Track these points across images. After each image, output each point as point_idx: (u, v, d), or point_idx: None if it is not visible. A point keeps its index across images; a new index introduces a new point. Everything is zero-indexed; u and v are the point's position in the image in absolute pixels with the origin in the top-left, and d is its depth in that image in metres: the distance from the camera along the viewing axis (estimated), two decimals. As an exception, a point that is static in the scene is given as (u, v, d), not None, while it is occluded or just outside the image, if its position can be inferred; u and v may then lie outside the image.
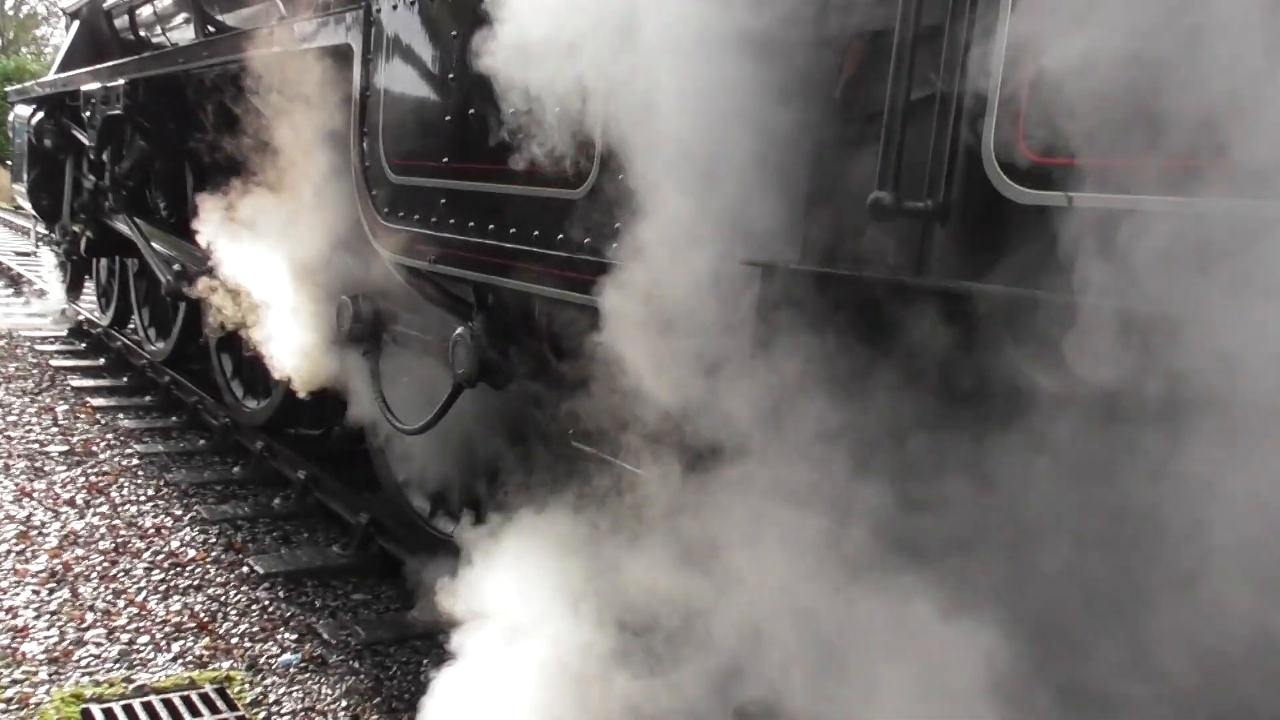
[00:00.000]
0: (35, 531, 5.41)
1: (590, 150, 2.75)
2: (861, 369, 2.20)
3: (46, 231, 10.82)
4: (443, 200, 3.43)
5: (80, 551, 5.19)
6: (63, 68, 9.67)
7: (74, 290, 11.07)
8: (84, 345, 10.51)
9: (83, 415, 7.84)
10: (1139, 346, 1.77)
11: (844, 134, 2.24)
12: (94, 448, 7.02)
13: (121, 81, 7.00)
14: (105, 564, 5.06)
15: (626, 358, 2.55)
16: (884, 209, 2.07)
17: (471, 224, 3.28)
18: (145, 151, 7.26)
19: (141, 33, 8.74)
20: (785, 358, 2.29)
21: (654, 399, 2.60)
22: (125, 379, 9.06)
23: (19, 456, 6.64)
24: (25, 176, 10.49)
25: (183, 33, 7.96)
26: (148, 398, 8.48)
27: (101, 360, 9.80)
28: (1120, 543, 1.79)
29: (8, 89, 11.48)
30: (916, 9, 2.05)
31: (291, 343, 5.01)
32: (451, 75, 3.32)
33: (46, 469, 6.46)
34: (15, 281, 14.41)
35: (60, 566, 4.98)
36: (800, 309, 2.26)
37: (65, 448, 6.95)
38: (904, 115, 2.06)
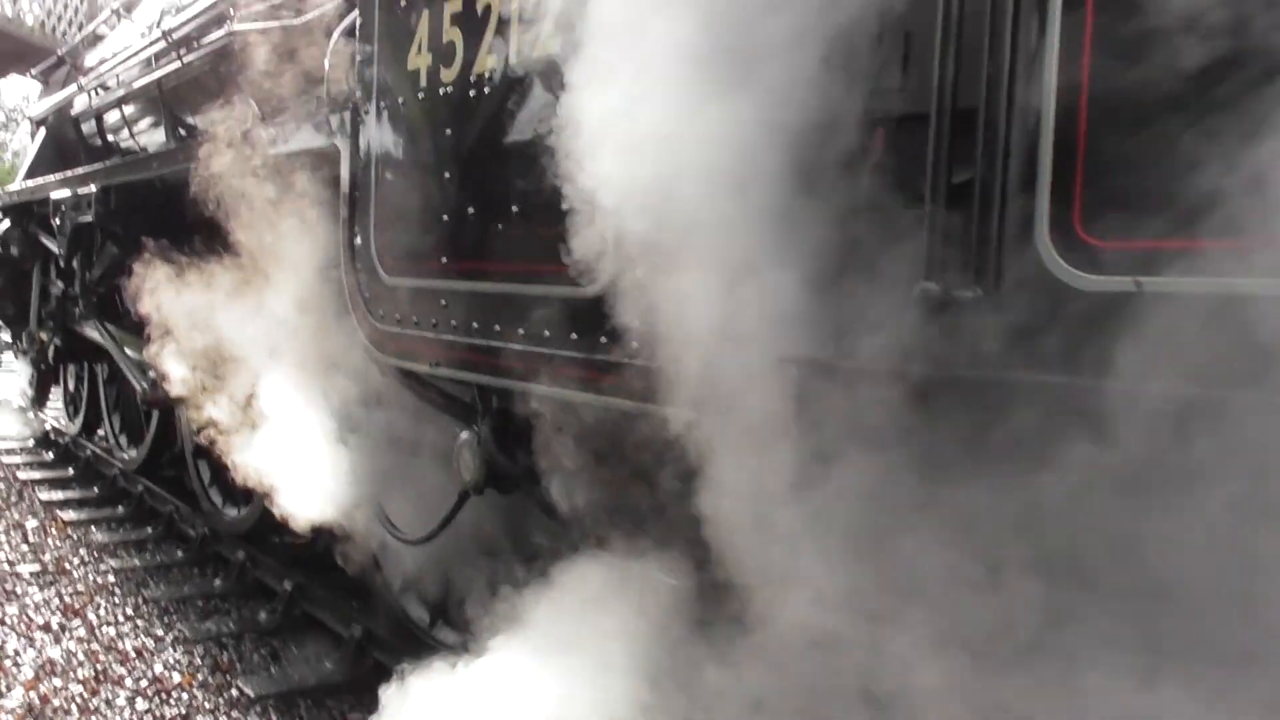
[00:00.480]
0: (9, 661, 5.11)
1: (604, 245, 2.64)
2: (914, 467, 2.08)
3: (12, 340, 10.59)
4: (442, 301, 3.30)
5: (58, 682, 4.89)
6: (29, 175, 9.54)
7: (40, 399, 10.79)
8: (51, 455, 10.20)
9: (54, 530, 7.53)
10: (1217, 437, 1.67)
11: (882, 220, 2.15)
12: (67, 565, 6.72)
13: (93, 188, 6.88)
14: (85, 694, 4.77)
15: (657, 461, 2.42)
16: (932, 299, 1.97)
17: (475, 325, 3.16)
18: (117, 257, 7.10)
19: (109, 137, 8.67)
20: (829, 458, 2.17)
21: (683, 501, 2.47)
22: (96, 489, 8.76)
23: (-12, 580, 6.34)
24: (-10, 285, 10.27)
25: (150, 136, 7.87)
26: (120, 508, 8.19)
27: (70, 470, 9.49)
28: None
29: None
30: (953, 89, 1.98)
31: (277, 450, 4.82)
32: (448, 174, 3.22)
33: (18, 591, 6.16)
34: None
35: (37, 700, 4.68)
36: (843, 406, 2.14)
37: (37, 567, 6.65)
38: (947, 200, 1.98)
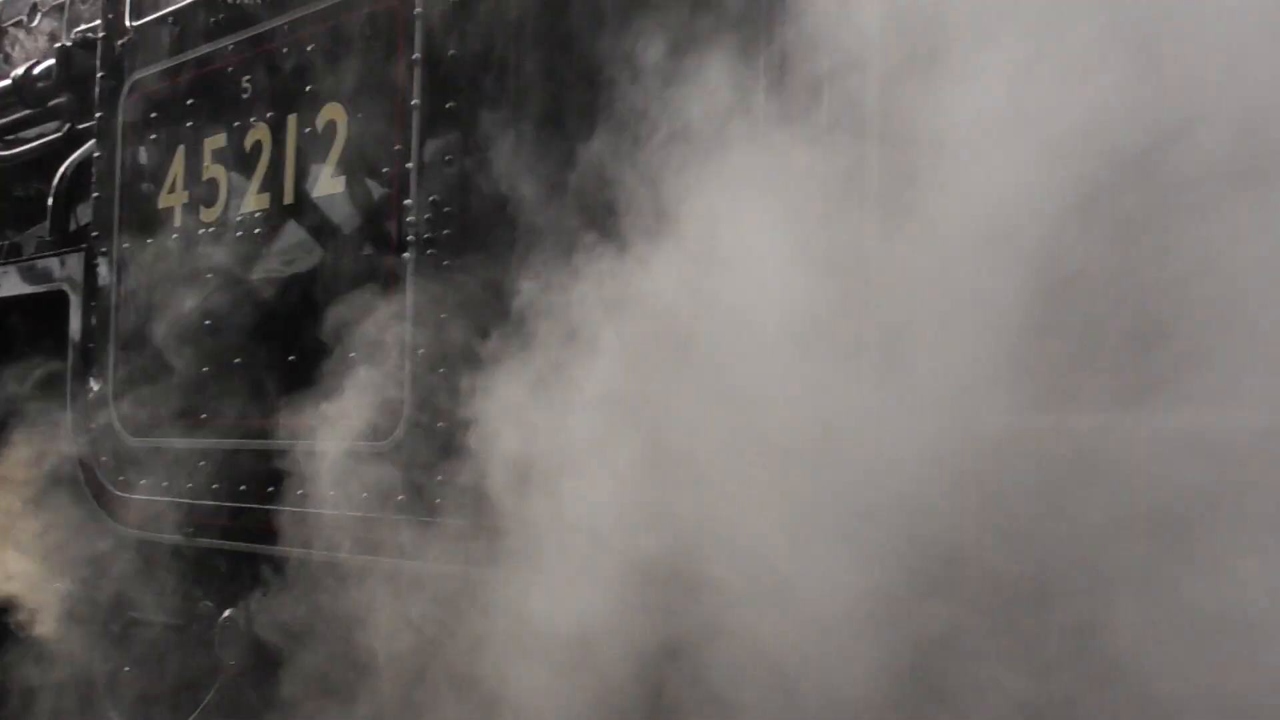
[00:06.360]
0: None
1: (399, 400, 2.45)
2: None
3: None
4: (202, 462, 2.93)
5: None
6: None
7: None
8: None
9: None
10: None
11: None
12: None
13: None
14: None
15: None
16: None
17: (243, 488, 2.81)
18: None
19: None
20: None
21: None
22: None
23: None
24: None
25: None
26: None
27: None
28: None
29: None
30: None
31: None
32: (209, 320, 2.91)
33: None
34: None
35: None
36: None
37: None
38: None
